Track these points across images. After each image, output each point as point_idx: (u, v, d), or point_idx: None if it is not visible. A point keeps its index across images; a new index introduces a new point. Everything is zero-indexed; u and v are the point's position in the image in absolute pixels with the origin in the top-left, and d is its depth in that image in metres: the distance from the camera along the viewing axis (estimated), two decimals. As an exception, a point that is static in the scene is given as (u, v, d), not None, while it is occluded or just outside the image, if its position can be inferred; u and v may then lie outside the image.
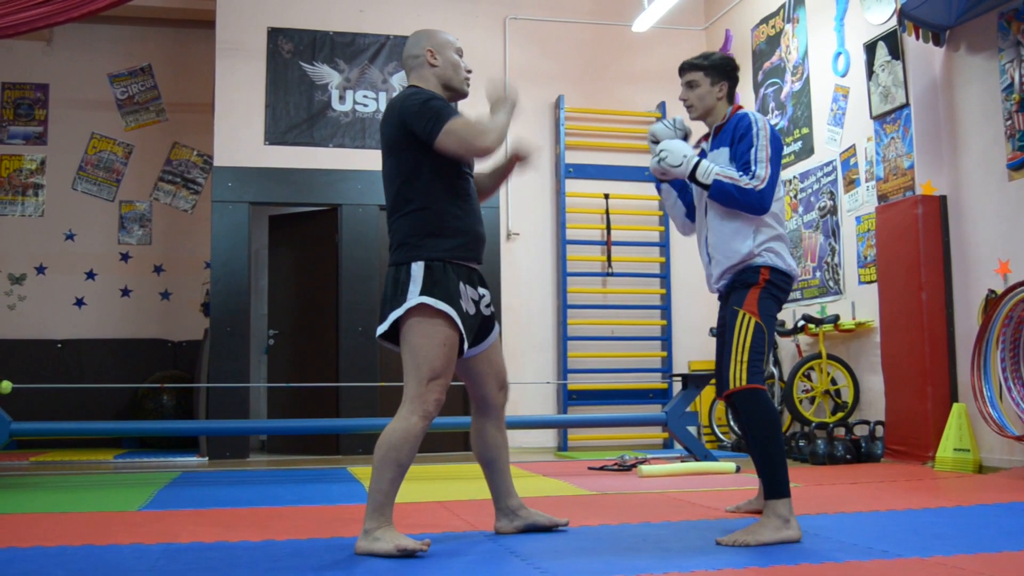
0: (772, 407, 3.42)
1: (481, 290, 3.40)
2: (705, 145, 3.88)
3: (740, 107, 3.82)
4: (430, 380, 3.17)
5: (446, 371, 3.21)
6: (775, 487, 3.31)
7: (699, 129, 4.03)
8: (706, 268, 3.80)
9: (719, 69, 3.79)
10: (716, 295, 3.83)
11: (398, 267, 3.25)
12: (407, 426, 3.16)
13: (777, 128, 7.89)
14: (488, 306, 3.42)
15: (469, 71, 3.48)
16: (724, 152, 3.68)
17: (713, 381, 6.89)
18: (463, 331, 3.22)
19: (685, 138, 3.85)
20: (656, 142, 3.79)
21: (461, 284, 3.26)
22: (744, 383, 3.40)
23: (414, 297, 3.17)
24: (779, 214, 3.68)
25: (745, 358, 3.42)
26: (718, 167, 3.56)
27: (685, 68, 3.86)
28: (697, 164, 3.57)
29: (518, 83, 8.57)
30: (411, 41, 3.48)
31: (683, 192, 3.97)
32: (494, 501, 3.56)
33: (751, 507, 4.04)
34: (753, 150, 3.55)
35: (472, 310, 3.30)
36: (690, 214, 3.96)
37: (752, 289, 3.53)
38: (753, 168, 3.52)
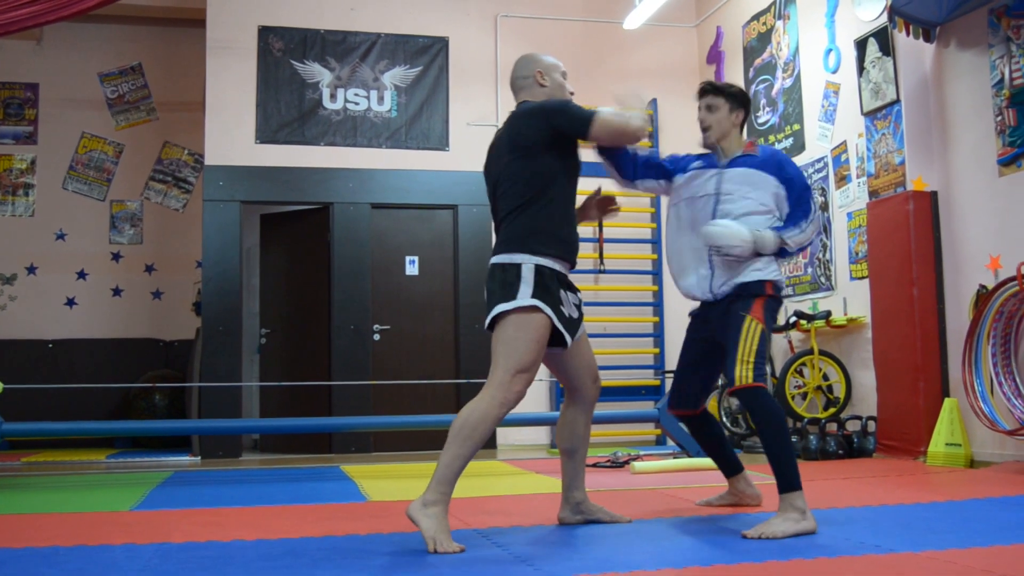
0: (776, 404, 3.57)
1: (578, 295, 3.63)
2: (721, 160, 3.93)
3: (755, 141, 4.01)
4: (517, 372, 3.30)
5: (533, 368, 3.35)
6: (788, 481, 3.43)
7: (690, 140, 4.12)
8: (693, 273, 3.87)
9: (739, 99, 3.96)
10: (707, 299, 3.89)
11: (505, 267, 3.40)
12: (487, 408, 3.27)
13: (768, 125, 7.91)
14: (582, 308, 3.64)
15: (572, 92, 3.73)
16: (759, 175, 3.81)
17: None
18: (563, 331, 3.40)
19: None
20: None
21: (562, 291, 3.46)
22: (750, 381, 3.54)
23: (526, 298, 3.32)
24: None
25: (751, 359, 3.58)
26: (787, 235, 3.77)
27: (707, 91, 3.99)
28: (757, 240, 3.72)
29: (509, 81, 8.58)
30: (520, 63, 3.73)
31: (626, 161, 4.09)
32: (563, 490, 3.71)
33: (723, 502, 4.12)
34: (811, 210, 3.84)
35: (575, 314, 3.52)
36: (626, 174, 4.09)
37: (759, 299, 3.72)
38: (808, 218, 3.81)
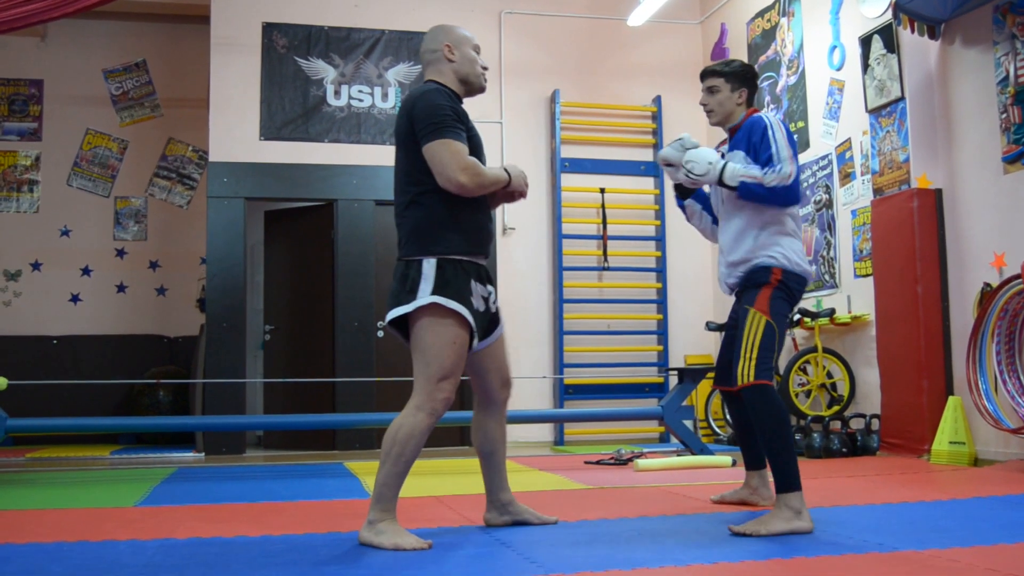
0: (780, 402, 3.49)
1: (489, 287, 3.42)
2: (724, 149, 3.95)
3: (755, 110, 3.92)
4: (440, 379, 3.20)
5: (456, 370, 3.23)
6: (786, 480, 3.37)
7: (707, 141, 4.08)
8: (722, 263, 3.89)
9: (739, 76, 3.91)
10: (730, 293, 3.91)
11: (408, 262, 3.27)
12: (414, 422, 3.18)
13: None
14: (495, 302, 3.45)
15: (485, 67, 3.55)
16: (739, 154, 3.77)
17: (710, 375, 6.92)
18: (474, 329, 3.25)
19: None
20: (668, 165, 3.84)
21: (472, 282, 3.29)
22: (752, 379, 3.47)
23: (425, 296, 3.19)
24: (795, 213, 3.77)
25: (754, 355, 3.50)
26: (742, 168, 3.64)
27: (706, 74, 3.99)
28: (723, 168, 3.65)
29: (514, 77, 8.58)
30: (429, 36, 3.52)
31: (705, 204, 4.09)
32: (487, 493, 3.59)
33: (736, 497, 4.10)
34: (774, 147, 3.65)
35: (482, 307, 3.33)
36: (716, 221, 4.05)
37: (764, 288, 3.62)
38: (775, 164, 3.62)
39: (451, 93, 3.40)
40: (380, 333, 8.19)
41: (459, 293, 3.22)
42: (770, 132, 3.68)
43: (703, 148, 3.77)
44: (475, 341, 3.29)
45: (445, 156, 3.20)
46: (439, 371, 3.19)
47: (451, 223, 3.27)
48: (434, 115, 3.24)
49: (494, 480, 3.57)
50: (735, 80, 3.89)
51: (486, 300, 3.37)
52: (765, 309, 3.57)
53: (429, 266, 3.22)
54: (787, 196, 3.63)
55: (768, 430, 3.43)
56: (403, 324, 3.30)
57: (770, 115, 3.80)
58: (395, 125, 3.40)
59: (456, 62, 3.46)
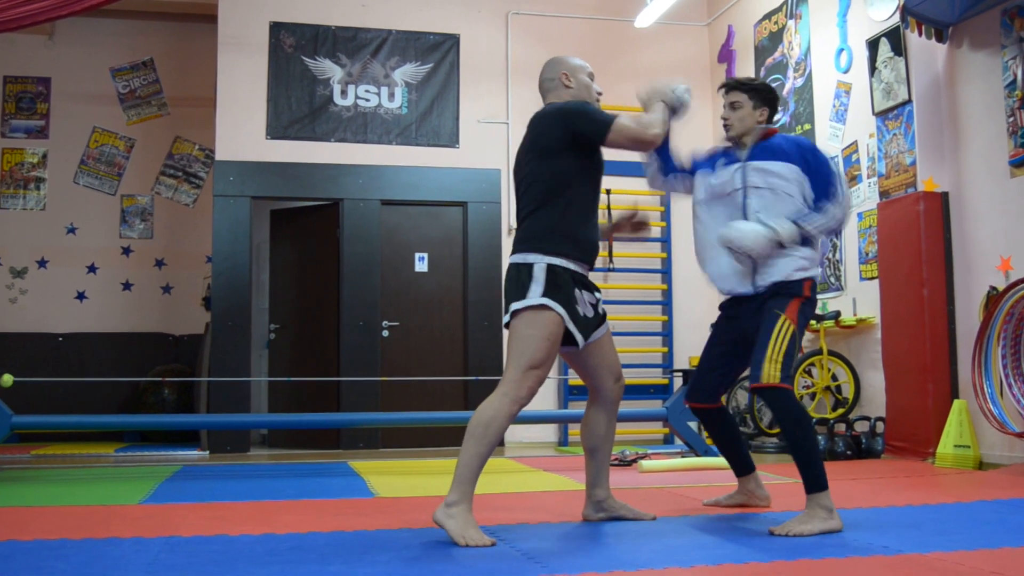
0: (800, 405, 3.55)
1: (597, 294, 3.61)
2: (741, 154, 3.88)
3: (775, 130, 3.93)
4: (528, 369, 3.33)
5: (545, 364, 3.37)
6: (814, 481, 3.42)
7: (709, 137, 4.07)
8: (729, 266, 3.81)
9: (762, 95, 3.90)
10: (746, 292, 3.82)
11: (519, 267, 3.44)
12: (499, 406, 3.31)
13: (779, 124, 7.89)
14: (602, 307, 3.63)
15: (600, 92, 3.76)
16: (782, 166, 3.75)
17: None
18: (575, 331, 3.41)
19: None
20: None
21: (576, 290, 3.45)
22: (776, 381, 3.51)
23: (535, 297, 3.36)
24: None
25: (780, 359, 3.54)
26: (807, 222, 3.68)
27: (731, 87, 3.95)
28: (790, 230, 3.67)
29: (521, 78, 8.58)
30: (547, 66, 3.76)
31: (663, 151, 4.07)
32: (587, 488, 3.74)
33: (732, 501, 4.10)
34: (835, 179, 3.74)
35: (591, 313, 3.52)
36: (665, 170, 4.09)
37: (795, 300, 3.69)
38: (839, 197, 3.71)
39: None
40: (385, 332, 8.19)
41: (565, 299, 3.39)
42: (831, 177, 3.74)
43: (747, 228, 3.67)
44: (580, 341, 3.45)
45: (628, 128, 3.49)
46: (530, 361, 3.33)
47: (567, 231, 3.47)
48: (589, 113, 3.50)
49: (595, 477, 3.72)
50: (759, 98, 3.88)
51: (594, 306, 3.57)
52: (794, 318, 3.63)
53: (540, 269, 3.41)
54: (846, 221, 3.81)
55: (795, 433, 3.47)
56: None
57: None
58: (536, 137, 3.56)
59: (573, 88, 3.68)
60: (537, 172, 3.52)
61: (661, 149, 4.02)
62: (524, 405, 3.36)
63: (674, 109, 3.69)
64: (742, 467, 4.10)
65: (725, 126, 3.94)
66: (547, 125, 3.53)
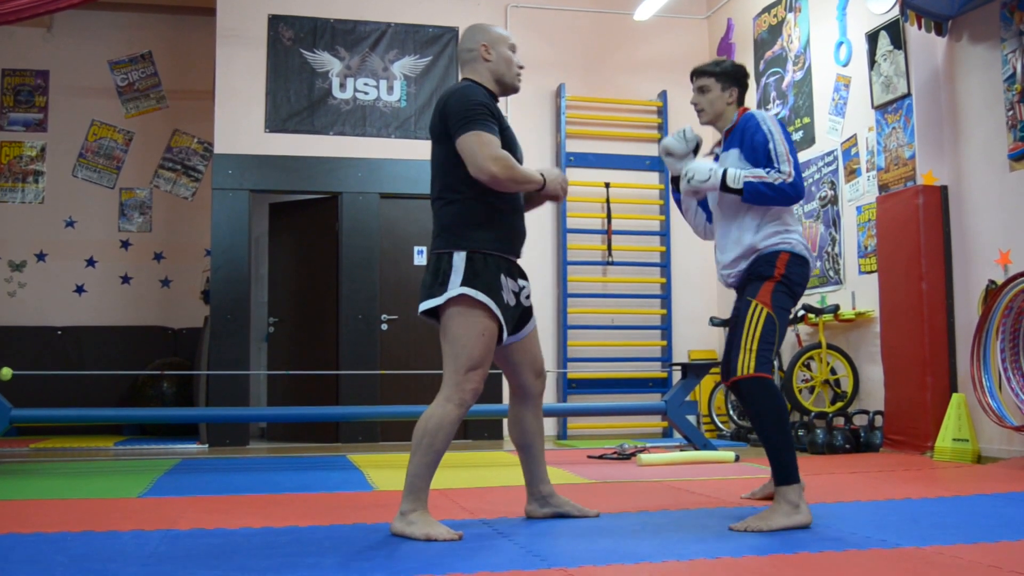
0: (778, 395, 3.50)
1: (521, 282, 3.47)
2: (718, 150, 3.96)
3: (746, 108, 3.92)
4: (468, 370, 3.25)
5: (484, 361, 3.29)
6: (783, 473, 3.37)
7: (709, 137, 4.08)
8: (719, 266, 3.88)
9: (730, 75, 3.89)
10: (732, 288, 3.88)
11: (439, 256, 3.33)
12: (443, 413, 3.23)
13: (778, 117, 7.87)
14: (527, 297, 3.50)
15: (521, 67, 3.57)
16: (734, 153, 3.76)
17: (714, 370, 6.93)
18: (502, 322, 3.30)
19: (697, 147, 3.88)
20: (669, 155, 3.88)
21: (502, 276, 3.34)
22: (752, 371, 3.46)
23: (455, 287, 3.25)
24: (790, 208, 3.76)
25: (754, 347, 3.49)
26: (744, 171, 3.63)
27: (696, 74, 3.96)
28: (725, 173, 3.64)
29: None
30: (465, 35, 3.57)
31: (702, 201, 4.06)
32: (527, 486, 3.65)
33: (764, 493, 4.07)
34: (771, 145, 3.64)
35: (512, 301, 3.39)
36: (710, 219, 4.03)
37: (767, 282, 3.61)
38: (776, 164, 3.60)
39: (486, 91, 3.44)
40: (384, 326, 8.19)
41: (488, 285, 3.27)
42: (765, 128, 3.67)
43: (701, 160, 3.76)
44: (505, 334, 3.33)
45: (476, 147, 3.23)
46: (468, 362, 3.25)
47: (483, 220, 3.33)
48: (466, 109, 3.28)
49: (533, 472, 3.63)
50: (725, 79, 3.87)
51: (517, 295, 3.42)
52: (767, 301, 3.56)
53: (459, 259, 3.28)
54: (793, 193, 3.59)
55: (765, 423, 3.43)
56: (434, 313, 3.36)
57: (764, 113, 3.79)
58: (430, 122, 3.44)
59: (492, 61, 3.50)
60: (440, 158, 3.39)
61: (701, 202, 4.01)
62: (469, 407, 3.28)
63: (549, 196, 3.47)
64: None
65: (697, 112, 3.95)
66: (437, 110, 3.38)
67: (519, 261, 3.50)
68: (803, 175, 3.78)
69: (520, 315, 3.46)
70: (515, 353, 3.53)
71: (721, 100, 3.88)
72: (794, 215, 3.79)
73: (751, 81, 8.24)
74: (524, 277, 3.50)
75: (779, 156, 3.61)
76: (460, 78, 3.57)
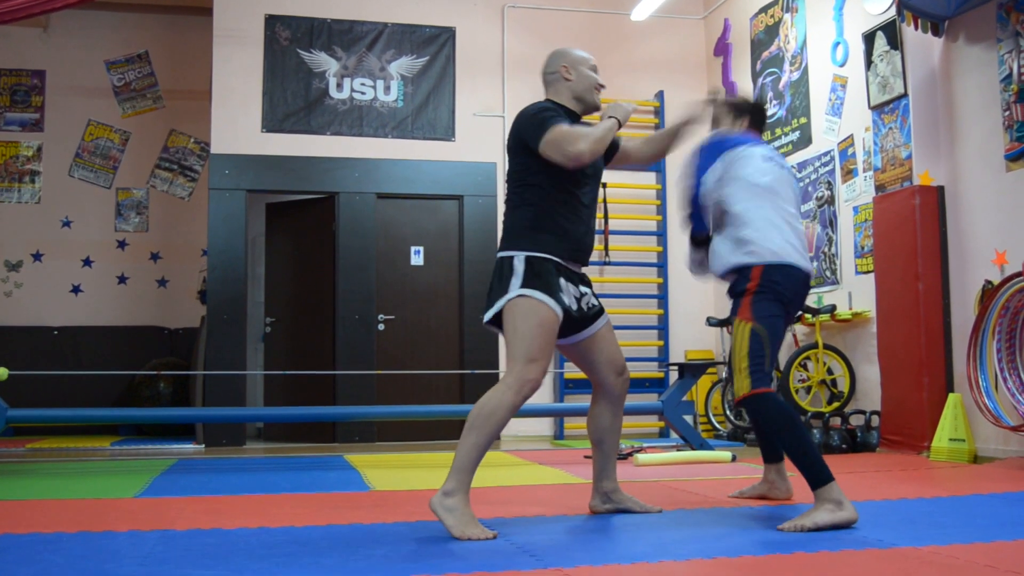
0: (781, 404, 3.47)
1: (583, 288, 3.57)
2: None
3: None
4: (528, 361, 3.32)
5: (543, 354, 3.35)
6: (814, 476, 3.34)
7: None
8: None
9: (740, 110, 4.06)
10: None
11: (502, 260, 3.45)
12: (500, 398, 3.30)
13: (775, 117, 7.89)
14: (589, 303, 3.58)
15: (602, 85, 3.72)
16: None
17: (711, 370, 6.93)
18: (560, 316, 3.39)
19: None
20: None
21: (561, 279, 3.43)
22: (747, 391, 3.47)
23: (515, 290, 3.36)
24: (779, 204, 3.75)
25: (744, 365, 3.50)
26: None
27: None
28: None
29: (517, 71, 8.57)
30: (549, 59, 3.75)
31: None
32: (593, 481, 3.75)
33: (755, 492, 4.08)
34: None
35: (574, 306, 3.48)
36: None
37: (743, 297, 3.61)
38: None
39: (562, 108, 3.59)
40: (381, 326, 8.19)
41: (547, 286, 3.37)
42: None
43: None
44: (567, 330, 3.45)
45: (556, 140, 3.35)
46: (527, 353, 3.32)
47: (542, 225, 3.45)
48: (534, 120, 3.44)
49: (602, 468, 3.73)
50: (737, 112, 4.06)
51: (579, 300, 3.52)
52: (748, 316, 3.55)
53: (519, 263, 3.39)
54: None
55: (780, 434, 3.44)
56: (499, 320, 3.46)
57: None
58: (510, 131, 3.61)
59: (573, 81, 3.66)
60: (512, 169, 3.57)
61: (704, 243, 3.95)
62: (527, 397, 3.35)
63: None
64: (771, 453, 4.06)
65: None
66: (513, 125, 3.56)
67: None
68: (798, 176, 3.79)
69: (584, 318, 3.55)
70: (589, 352, 3.64)
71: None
72: (772, 222, 3.69)
73: (747, 74, 8.30)
74: (587, 284, 3.61)
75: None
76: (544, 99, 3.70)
